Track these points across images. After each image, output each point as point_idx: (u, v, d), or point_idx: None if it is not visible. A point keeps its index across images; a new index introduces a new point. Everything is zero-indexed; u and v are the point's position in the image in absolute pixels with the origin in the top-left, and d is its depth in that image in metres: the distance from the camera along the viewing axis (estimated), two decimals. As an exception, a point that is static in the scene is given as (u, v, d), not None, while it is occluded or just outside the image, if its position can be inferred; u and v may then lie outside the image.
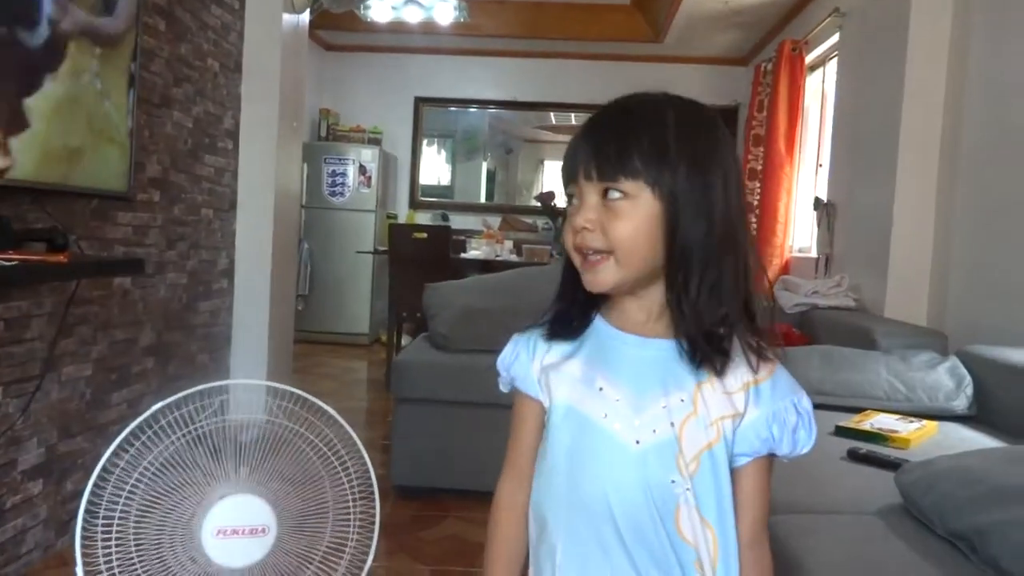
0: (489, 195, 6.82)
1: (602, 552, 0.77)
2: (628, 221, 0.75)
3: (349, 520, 1.61)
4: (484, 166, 6.83)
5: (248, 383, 1.63)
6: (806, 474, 1.56)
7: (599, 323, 0.82)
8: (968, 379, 2.11)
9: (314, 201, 6.01)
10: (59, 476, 2.14)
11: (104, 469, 1.37)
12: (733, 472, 0.77)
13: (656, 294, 0.79)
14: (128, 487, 1.36)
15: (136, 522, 1.37)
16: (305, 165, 5.91)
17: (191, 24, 2.81)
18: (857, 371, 2.19)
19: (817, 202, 4.05)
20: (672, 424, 0.75)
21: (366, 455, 1.58)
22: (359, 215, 6.05)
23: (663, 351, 0.78)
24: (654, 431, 0.75)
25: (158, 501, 1.38)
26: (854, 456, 1.66)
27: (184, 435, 1.40)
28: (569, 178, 0.79)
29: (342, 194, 6.07)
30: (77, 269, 1.96)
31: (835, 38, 4.16)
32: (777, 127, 4.73)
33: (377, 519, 1.60)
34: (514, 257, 5.28)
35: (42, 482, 2.06)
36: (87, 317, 2.24)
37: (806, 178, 4.73)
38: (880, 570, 1.11)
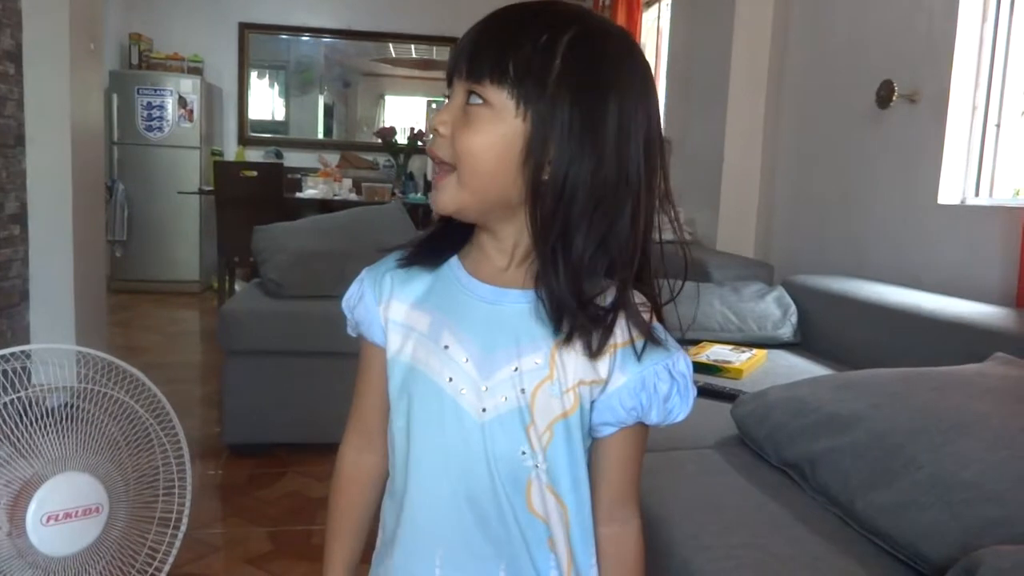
0: (327, 131, 6.48)
1: (440, 533, 0.68)
2: (479, 133, 0.63)
3: (174, 488, 1.46)
4: (321, 100, 6.45)
5: (51, 347, 1.41)
6: (648, 410, 1.57)
7: (455, 268, 0.70)
8: (793, 308, 2.22)
9: (128, 137, 5.45)
10: None
11: None
12: (596, 442, 0.70)
13: (515, 235, 0.67)
14: None
15: None
16: (115, 96, 5.33)
17: (-52, -79, 2.36)
18: (693, 304, 2.24)
19: (654, 138, 4.13)
20: (523, 391, 0.65)
21: (173, 413, 1.42)
22: (181, 152, 5.55)
23: (520, 304, 0.66)
24: (504, 398, 0.65)
25: None
26: (692, 389, 1.69)
27: None
28: (448, 77, 0.67)
29: (160, 129, 5.53)
30: None
31: (670, -27, 4.20)
32: (616, 63, 4.76)
33: (188, 481, 1.45)
34: (353, 196, 5.05)
35: None
36: None
37: (644, 115, 4.82)
38: (719, 506, 1.12)
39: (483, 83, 0.63)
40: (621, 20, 4.73)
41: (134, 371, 1.41)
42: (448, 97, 0.67)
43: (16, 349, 1.30)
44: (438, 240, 0.71)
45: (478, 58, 0.63)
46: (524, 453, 0.66)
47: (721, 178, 3.23)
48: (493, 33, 0.64)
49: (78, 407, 1.35)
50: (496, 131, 0.63)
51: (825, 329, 2.13)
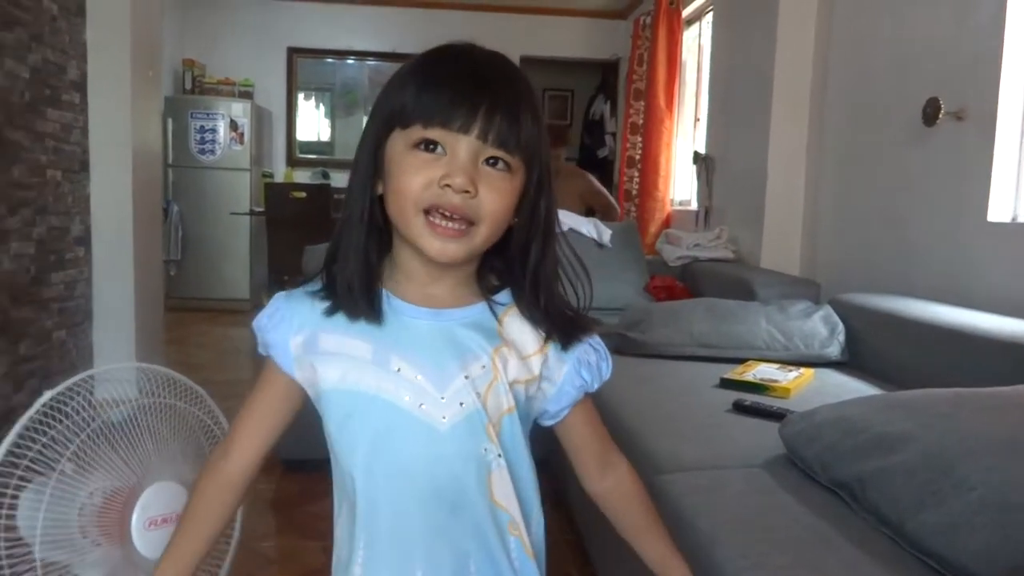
0: (372, 151, 6.60)
1: (418, 539, 0.74)
2: (504, 196, 0.71)
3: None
4: (365, 121, 6.58)
5: (137, 366, 1.48)
6: (694, 428, 1.58)
7: (388, 298, 0.75)
8: (840, 326, 2.21)
9: (182, 159, 5.64)
10: None
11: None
12: (563, 424, 0.82)
13: (468, 268, 0.77)
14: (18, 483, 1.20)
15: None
16: (169, 120, 5.52)
17: (21, -39, 2.50)
18: (739, 322, 2.25)
19: (696, 156, 4.13)
20: (478, 394, 0.73)
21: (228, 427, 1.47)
22: (232, 174, 5.72)
23: (455, 321, 0.75)
24: (460, 404, 0.73)
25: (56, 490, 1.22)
26: (739, 408, 1.70)
27: (97, 425, 1.24)
28: (440, 124, 0.69)
29: (212, 152, 5.71)
30: None
31: (711, -8, 4.22)
32: (657, 81, 4.79)
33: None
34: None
35: None
36: (-88, 296, 1.98)
37: (685, 132, 4.82)
38: (768, 526, 1.13)
39: (512, 152, 0.70)
40: (663, 38, 4.77)
41: (197, 388, 1.47)
42: (432, 142, 0.70)
43: (85, 374, 1.37)
44: (360, 279, 0.74)
45: (504, 126, 0.70)
46: (486, 450, 0.74)
47: (764, 195, 3.22)
48: (502, 99, 0.70)
49: (139, 421, 1.41)
50: (512, 190, 0.72)
51: (874, 348, 2.11)
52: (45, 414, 1.25)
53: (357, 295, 0.73)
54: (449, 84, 0.70)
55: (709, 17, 4.37)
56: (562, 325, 0.77)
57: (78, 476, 1.27)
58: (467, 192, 0.69)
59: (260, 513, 2.29)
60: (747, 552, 1.05)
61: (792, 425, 1.38)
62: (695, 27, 4.73)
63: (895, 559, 1.03)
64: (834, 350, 2.17)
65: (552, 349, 0.77)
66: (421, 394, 0.72)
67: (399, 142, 0.71)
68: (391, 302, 0.75)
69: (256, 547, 2.06)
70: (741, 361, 2.10)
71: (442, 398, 0.72)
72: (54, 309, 2.74)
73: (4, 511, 1.12)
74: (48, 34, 2.68)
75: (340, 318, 0.74)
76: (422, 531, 0.73)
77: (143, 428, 1.28)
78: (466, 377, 0.73)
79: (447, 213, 0.69)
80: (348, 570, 0.75)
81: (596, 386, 0.81)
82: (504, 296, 0.78)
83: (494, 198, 0.70)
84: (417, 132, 0.70)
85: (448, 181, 0.68)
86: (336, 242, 0.76)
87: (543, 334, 0.77)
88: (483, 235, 0.71)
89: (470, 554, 0.74)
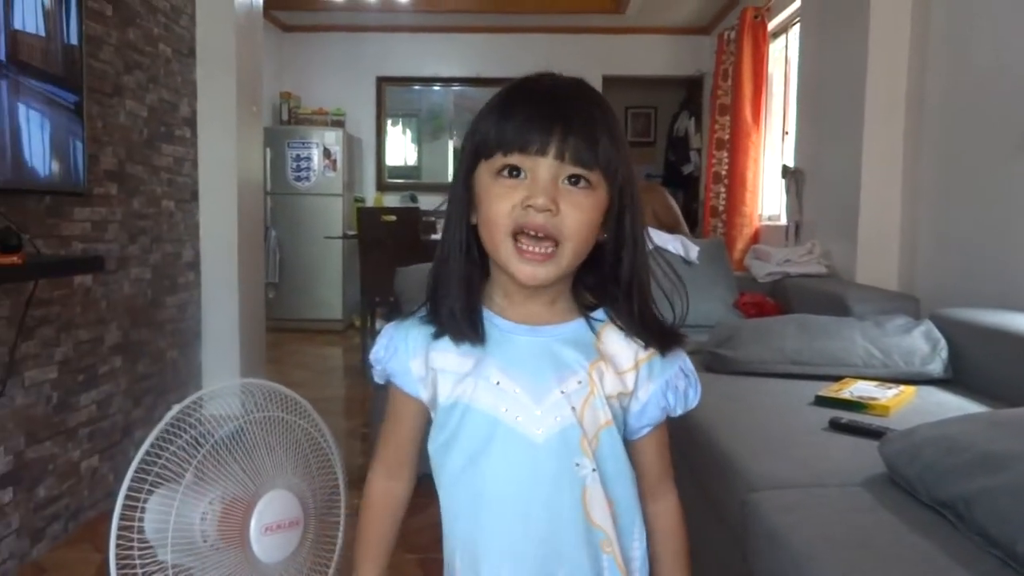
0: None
1: (507, 551, 0.77)
2: (585, 212, 0.74)
3: (336, 511, 1.59)
4: (451, 144, 6.75)
5: (251, 382, 1.58)
6: (788, 447, 1.56)
7: (488, 316, 0.79)
8: (943, 342, 2.13)
9: (279, 187, 5.91)
10: (29, 483, 2.08)
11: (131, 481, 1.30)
12: (637, 441, 0.82)
13: (561, 285, 0.79)
14: (177, 495, 1.30)
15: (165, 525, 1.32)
16: (268, 150, 5.79)
17: (139, 8, 2.71)
18: (833, 339, 2.19)
19: (785, 169, 4.06)
20: (573, 408, 0.76)
21: (333, 444, 1.54)
22: (326, 199, 5.96)
23: (553, 337, 0.78)
24: (556, 418, 0.76)
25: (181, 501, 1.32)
26: (836, 426, 1.66)
27: (216, 440, 1.34)
28: (520, 149, 0.73)
29: (307, 179, 5.97)
30: (32, 269, 1.89)
31: (797, 3, 4.15)
32: (742, 96, 4.73)
33: (342, 509, 1.57)
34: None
35: (12, 490, 2.00)
36: (48, 318, 2.16)
37: (773, 146, 4.74)
38: (868, 543, 1.11)
39: (592, 168, 0.73)
40: (748, 52, 4.71)
41: (302, 401, 1.55)
42: (515, 168, 0.74)
43: (209, 389, 1.48)
44: (451, 309, 0.78)
45: (583, 145, 0.73)
46: (578, 464, 0.76)
47: (859, 207, 3.13)
48: (580, 120, 0.74)
49: (250, 434, 1.50)
50: (595, 207, 0.75)
51: (978, 365, 2.03)
52: (167, 429, 1.36)
53: (460, 320, 0.78)
54: (524, 111, 0.74)
55: (796, 29, 4.30)
56: (658, 334, 0.79)
57: (197, 486, 1.36)
58: (549, 211, 0.72)
59: (355, 528, 2.37)
60: (844, 568, 1.03)
61: (892, 443, 1.35)
62: (781, 39, 4.66)
63: (1005, 581, 1.00)
64: (936, 367, 2.09)
65: (644, 367, 0.79)
66: (518, 407, 0.75)
67: (485, 172, 0.76)
68: (492, 320, 0.79)
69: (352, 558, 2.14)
70: (836, 379, 2.05)
71: (538, 412, 0.75)
72: (168, 330, 2.93)
73: (139, 514, 1.22)
74: (163, 75, 2.89)
75: (446, 339, 0.79)
76: (516, 541, 0.76)
77: (256, 440, 1.36)
78: (562, 392, 0.76)
79: (533, 233, 0.73)
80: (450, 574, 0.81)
81: (680, 411, 0.82)
82: (600, 313, 0.80)
83: (576, 214, 0.73)
84: (499, 160, 0.74)
85: (530, 202, 0.72)
86: (436, 270, 0.81)
87: (639, 348, 0.79)
88: (569, 253, 0.74)
89: (559, 567, 0.76)
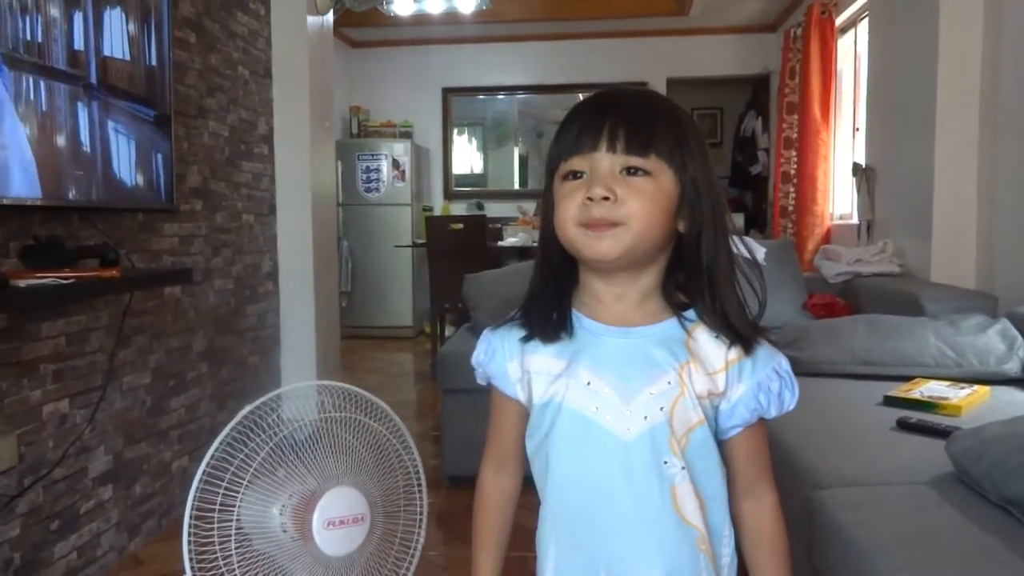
0: (523, 181, 6.83)
1: (601, 541, 0.79)
2: (647, 196, 0.76)
3: (413, 511, 1.65)
4: (516, 152, 6.83)
5: (325, 384, 1.67)
6: (855, 446, 1.56)
7: (577, 317, 0.82)
8: (1020, 341, 2.07)
9: (350, 198, 6.09)
10: (127, 481, 2.23)
11: (203, 475, 1.41)
12: (728, 441, 0.82)
13: (647, 281, 0.81)
14: (240, 491, 1.41)
15: (238, 523, 1.42)
16: (339, 163, 5.98)
17: (220, 34, 2.87)
18: (904, 339, 2.16)
19: (856, 167, 3.98)
20: (662, 408, 0.78)
21: (414, 447, 1.61)
22: (395, 209, 6.11)
23: (643, 338, 0.80)
24: (645, 417, 0.78)
25: (255, 499, 1.42)
26: (904, 426, 1.65)
27: (276, 439, 1.44)
28: (575, 152, 0.78)
29: (377, 189, 6.14)
30: (129, 282, 2.03)
31: (865, -2, 4.07)
32: (811, 93, 4.65)
33: (423, 507, 1.64)
34: (548, 243, 5.26)
35: (112, 487, 2.15)
36: (142, 327, 2.32)
37: (843, 143, 4.64)
38: (934, 540, 1.11)
39: (648, 156, 0.76)
40: (815, 48, 4.63)
41: (378, 401, 1.63)
42: (578, 172, 0.78)
43: (273, 394, 1.57)
44: (541, 312, 0.83)
45: (636, 135, 0.76)
46: (667, 462, 0.78)
47: (932, 205, 3.06)
48: (632, 115, 0.78)
49: (327, 431, 1.58)
50: (658, 193, 0.77)
51: (1059, 363, 1.97)
52: (242, 428, 1.45)
53: (548, 322, 0.82)
54: (580, 118, 0.80)
55: (864, 24, 4.21)
56: (742, 327, 0.80)
57: (278, 481, 1.45)
58: (606, 199, 0.75)
59: (432, 525, 2.45)
60: (910, 564, 1.04)
61: (959, 441, 1.34)
62: (849, 35, 4.56)
63: (1074, 578, 0.99)
64: (1013, 366, 2.04)
65: (735, 368, 0.79)
66: (608, 406, 0.78)
67: (557, 181, 0.81)
68: (583, 323, 0.82)
69: (426, 556, 2.21)
70: (907, 379, 2.03)
71: (628, 411, 0.78)
72: (249, 337, 3.08)
73: (217, 507, 1.31)
74: (242, 96, 3.05)
75: (539, 342, 0.83)
76: (607, 537, 0.79)
77: (325, 439, 1.45)
78: (651, 392, 0.78)
79: (594, 222, 0.76)
80: (542, 570, 0.84)
81: (775, 413, 0.81)
82: (692, 313, 0.81)
83: (636, 198, 0.75)
84: (563, 167, 0.80)
85: (589, 194, 0.76)
86: (532, 279, 0.86)
87: (729, 348, 0.79)
88: (634, 232, 0.75)
89: (653, 565, 0.78)
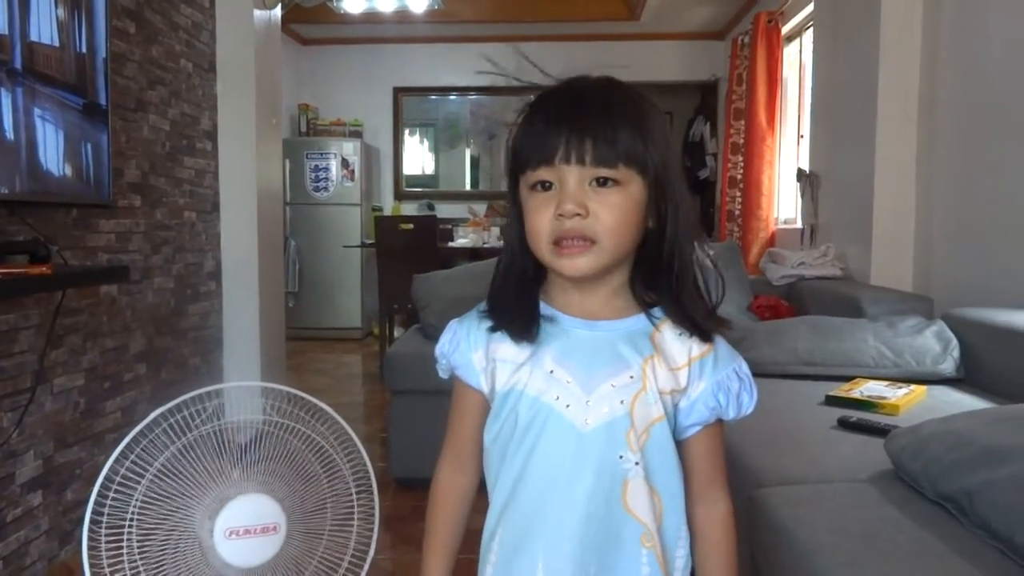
0: (474, 182, 6.81)
1: (544, 535, 0.79)
2: (618, 209, 0.75)
3: (351, 514, 1.62)
4: (468, 153, 6.81)
5: (244, 385, 1.64)
6: (797, 445, 1.58)
7: (544, 309, 0.82)
8: (955, 342, 2.14)
9: (298, 197, 6.00)
10: (58, 487, 2.14)
11: (106, 478, 1.37)
12: (685, 441, 0.82)
13: (616, 279, 0.81)
14: (135, 494, 1.36)
15: (141, 528, 1.38)
16: (287, 161, 5.88)
17: (162, 25, 2.79)
18: (845, 340, 2.21)
19: (800, 173, 4.06)
20: (622, 402, 0.78)
21: (362, 449, 1.58)
22: (344, 209, 6.03)
23: (609, 332, 0.80)
24: (605, 410, 0.78)
25: (163, 506, 1.39)
26: (845, 424, 1.68)
27: (185, 440, 1.40)
28: (542, 162, 0.77)
29: (326, 189, 6.05)
30: (61, 279, 1.95)
31: (810, 8, 4.17)
32: (757, 100, 4.74)
33: (376, 511, 1.61)
34: (501, 243, 5.25)
35: (41, 493, 2.06)
36: (76, 327, 2.23)
37: (788, 150, 4.75)
38: (872, 536, 1.13)
39: (616, 166, 0.75)
40: (762, 56, 4.73)
41: (323, 406, 1.59)
42: (545, 183, 0.77)
43: (210, 388, 1.52)
44: (506, 307, 0.82)
45: (601, 146, 0.75)
46: (622, 457, 0.77)
47: (872, 210, 3.14)
48: (595, 121, 0.76)
49: (268, 435, 1.54)
50: (629, 202, 0.76)
51: (991, 364, 2.03)
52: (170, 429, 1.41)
53: (515, 318, 0.81)
54: (545, 124, 0.78)
55: (809, 33, 4.31)
56: (700, 319, 0.80)
57: (185, 486, 1.41)
58: (578, 215, 0.75)
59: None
60: (849, 560, 1.06)
61: (897, 439, 1.37)
62: (795, 44, 4.67)
63: (1004, 572, 1.01)
64: (948, 366, 2.10)
65: (697, 365, 0.80)
66: (569, 396, 0.78)
67: (523, 186, 0.80)
68: (551, 314, 0.82)
69: (375, 560, 2.17)
70: (848, 379, 2.07)
71: (588, 402, 0.78)
72: (190, 338, 2.99)
73: (106, 511, 1.26)
74: (185, 90, 2.96)
75: (505, 333, 0.82)
76: (550, 530, 0.78)
77: (228, 446, 1.41)
78: (612, 385, 0.78)
79: (567, 237, 0.76)
80: (486, 556, 0.83)
81: (732, 415, 0.82)
82: (659, 311, 0.82)
83: (607, 212, 0.75)
84: (530, 176, 0.78)
85: (560, 211, 0.75)
86: (496, 269, 0.85)
87: (693, 345, 0.80)
88: (607, 248, 0.76)
89: (594, 556, 0.78)
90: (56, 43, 1.94)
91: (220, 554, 1.36)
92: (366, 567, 1.58)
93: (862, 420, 1.68)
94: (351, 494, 1.62)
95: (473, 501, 0.90)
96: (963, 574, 1.02)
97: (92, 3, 2.09)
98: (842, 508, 1.24)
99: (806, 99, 4.35)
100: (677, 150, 7.06)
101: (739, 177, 5.12)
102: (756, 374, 2.19)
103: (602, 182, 0.75)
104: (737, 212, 5.12)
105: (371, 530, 1.60)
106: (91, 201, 2.17)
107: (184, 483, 1.39)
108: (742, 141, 5.07)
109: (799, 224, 4.23)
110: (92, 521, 1.36)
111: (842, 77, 3.56)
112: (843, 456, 1.49)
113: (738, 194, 5.13)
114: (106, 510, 1.40)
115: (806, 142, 4.30)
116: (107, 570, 1.38)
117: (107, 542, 1.39)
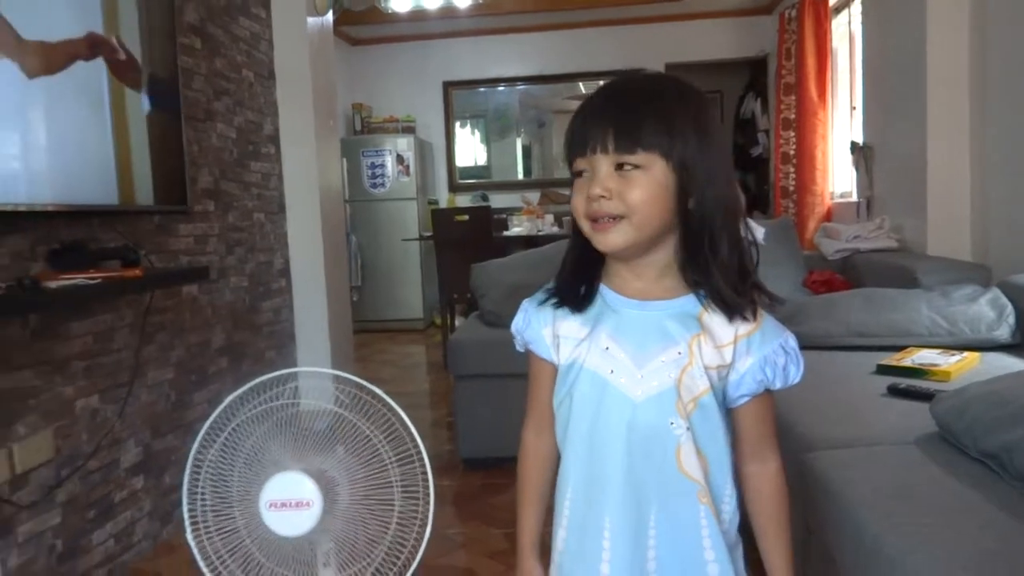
0: (526, 171, 6.90)
1: (608, 491, 0.89)
2: (640, 188, 0.83)
3: (412, 492, 1.74)
4: (519, 142, 6.90)
5: (311, 371, 1.76)
6: (846, 412, 1.63)
7: (603, 290, 0.92)
8: (1010, 308, 2.14)
9: (357, 194, 6.18)
10: (157, 472, 2.33)
11: (196, 461, 1.52)
12: (737, 408, 0.90)
13: (660, 259, 0.89)
14: (216, 474, 1.51)
15: (223, 503, 1.53)
16: (344, 160, 6.06)
17: (224, 38, 2.95)
18: (898, 310, 2.24)
19: (853, 146, 4.03)
20: (671, 376, 0.86)
21: (414, 430, 1.68)
22: (401, 203, 6.20)
23: (660, 311, 0.88)
24: (655, 383, 0.86)
25: (235, 483, 1.53)
26: (894, 391, 1.72)
27: (239, 420, 1.54)
28: (578, 154, 0.87)
29: (383, 185, 6.22)
30: (151, 281, 2.13)
31: (858, -23, 4.12)
32: (807, 74, 4.71)
33: (431, 490, 1.70)
34: (556, 230, 5.35)
35: (143, 477, 2.26)
36: (163, 325, 2.41)
37: (842, 122, 4.70)
38: (913, 493, 1.19)
39: (634, 152, 0.84)
40: (810, 29, 4.69)
41: (378, 391, 1.70)
42: (583, 171, 0.87)
43: (278, 373, 1.66)
44: (579, 283, 0.93)
45: (621, 135, 0.84)
46: (672, 423, 0.86)
47: (926, 180, 3.12)
48: (620, 113, 0.85)
49: (339, 424, 1.67)
50: (653, 183, 0.84)
51: (1047, 328, 2.04)
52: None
53: (575, 292, 0.92)
54: (583, 121, 0.88)
55: (858, 3, 4.26)
56: (732, 300, 0.86)
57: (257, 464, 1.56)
58: (603, 196, 0.84)
59: (445, 507, 2.54)
60: (891, 513, 1.12)
61: (943, 402, 1.42)
62: (844, 15, 4.61)
63: (1041, 521, 1.07)
64: (1003, 333, 2.11)
65: (743, 343, 0.87)
66: (622, 370, 0.87)
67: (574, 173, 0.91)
68: (607, 295, 0.91)
69: (444, 533, 2.31)
70: (901, 349, 2.10)
71: (640, 376, 0.86)
72: (265, 332, 3.17)
73: (200, 487, 1.41)
74: (248, 98, 3.13)
75: (568, 309, 0.93)
76: (613, 487, 0.88)
77: (295, 425, 1.55)
78: (662, 360, 0.86)
79: (597, 217, 0.85)
80: (559, 511, 0.94)
81: (779, 385, 0.89)
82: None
83: (630, 192, 0.83)
84: (573, 166, 0.89)
85: (589, 193, 0.86)
86: (566, 254, 0.96)
87: (739, 324, 0.86)
88: (635, 224, 0.84)
89: (652, 511, 0.87)
90: (139, 61, 2.11)
91: (265, 522, 1.50)
92: (424, 541, 1.69)
93: (911, 387, 1.72)
94: (416, 473, 1.74)
95: (556, 458, 1.00)
96: (996, 522, 1.07)
97: (164, 23, 2.25)
98: (887, 468, 1.30)
99: (857, 70, 4.30)
100: (724, 131, 7.01)
101: (792, 153, 5.09)
102: (808, 347, 2.23)
103: (626, 167, 0.84)
104: (791, 188, 5.09)
105: (436, 507, 1.72)
106: (171, 208, 2.34)
107: (250, 463, 1.53)
108: (793, 116, 5.04)
109: (855, 197, 4.20)
110: (188, 501, 1.51)
111: (891, 46, 3.52)
112: (891, 421, 1.54)
113: (791, 170, 5.10)
114: (199, 490, 1.56)
115: (859, 114, 4.26)
116: (207, 546, 1.52)
117: (203, 521, 1.54)
